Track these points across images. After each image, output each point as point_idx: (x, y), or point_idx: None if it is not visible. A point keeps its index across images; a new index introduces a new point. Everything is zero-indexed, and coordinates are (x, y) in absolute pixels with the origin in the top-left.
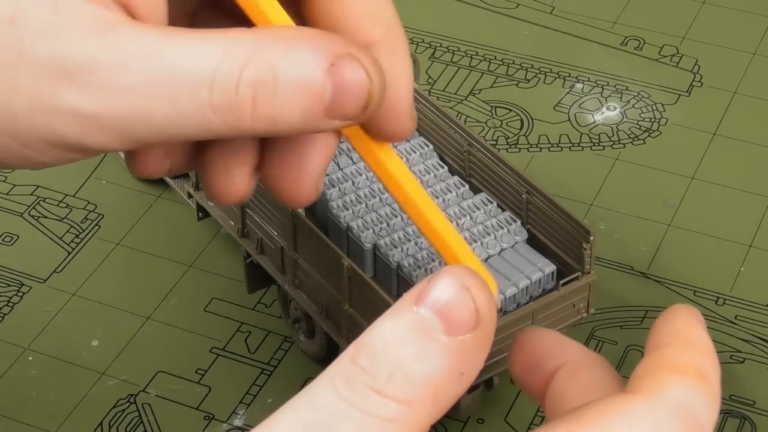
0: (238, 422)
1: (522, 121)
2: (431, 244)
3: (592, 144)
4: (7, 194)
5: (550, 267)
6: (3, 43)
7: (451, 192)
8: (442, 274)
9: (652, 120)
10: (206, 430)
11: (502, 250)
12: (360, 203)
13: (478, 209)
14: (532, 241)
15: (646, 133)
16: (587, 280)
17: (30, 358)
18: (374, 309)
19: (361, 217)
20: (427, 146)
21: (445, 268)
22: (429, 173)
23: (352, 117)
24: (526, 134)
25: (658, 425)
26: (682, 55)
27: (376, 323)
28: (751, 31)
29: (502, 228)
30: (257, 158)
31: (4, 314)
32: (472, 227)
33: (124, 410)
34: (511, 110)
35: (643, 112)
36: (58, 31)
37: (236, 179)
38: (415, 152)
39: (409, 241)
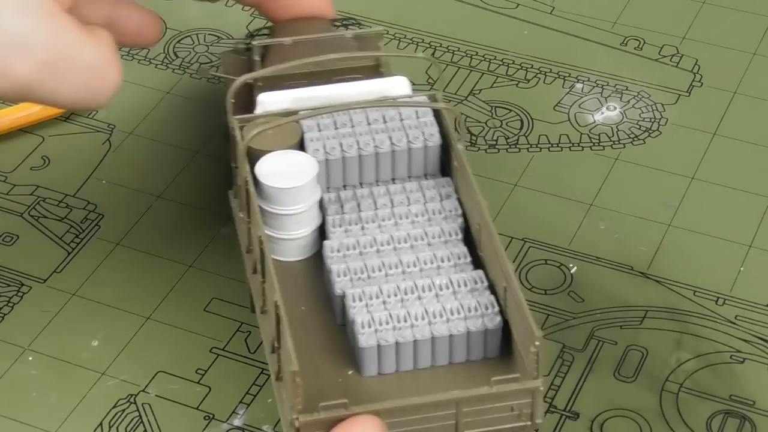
0: (238, 422)
1: (522, 121)
2: None
3: (592, 144)
4: (7, 194)
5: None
6: None
7: (450, 261)
8: None
9: (652, 120)
10: (206, 430)
11: (468, 332)
12: (360, 270)
13: (466, 286)
14: (506, 329)
15: (646, 133)
16: (529, 385)
17: (30, 358)
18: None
19: (347, 264)
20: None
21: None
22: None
23: None
24: (526, 134)
25: None
26: (682, 55)
27: None
28: (751, 31)
29: (478, 311)
30: None
31: (4, 314)
32: (453, 299)
33: (124, 410)
34: (511, 110)
35: (643, 112)
36: None
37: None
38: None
39: (377, 298)
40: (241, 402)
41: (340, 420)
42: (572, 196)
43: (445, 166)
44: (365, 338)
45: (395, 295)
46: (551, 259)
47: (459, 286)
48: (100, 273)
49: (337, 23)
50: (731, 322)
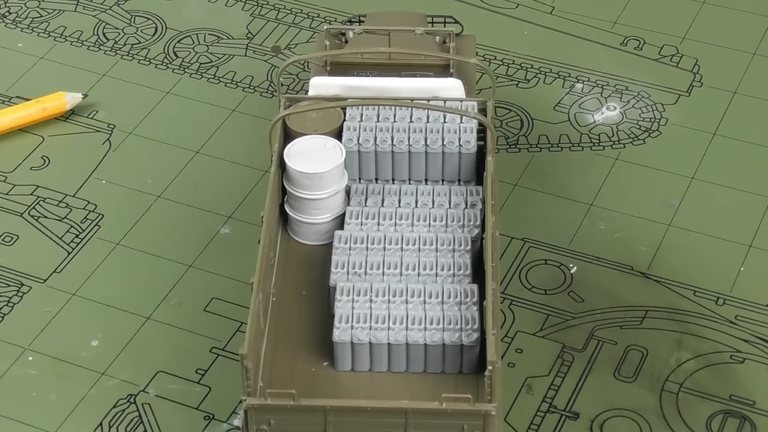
0: (238, 422)
1: (522, 121)
2: None
3: (592, 144)
4: (7, 194)
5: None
6: None
7: (450, 270)
8: None
9: (652, 120)
10: (206, 430)
11: (444, 344)
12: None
13: (456, 298)
14: (482, 352)
15: (646, 133)
16: (480, 408)
17: (30, 358)
18: None
19: (349, 256)
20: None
21: None
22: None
23: None
24: (526, 134)
25: None
26: (682, 55)
27: None
28: (751, 31)
29: (458, 324)
30: None
31: (4, 314)
32: (437, 309)
33: (124, 410)
34: (511, 110)
35: (643, 112)
36: None
37: None
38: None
39: (372, 301)
40: (241, 402)
41: (288, 409)
42: (572, 196)
43: (482, 175)
44: (339, 333)
45: (383, 295)
46: (551, 259)
47: (449, 297)
48: (100, 273)
49: (432, 19)
50: (731, 322)
